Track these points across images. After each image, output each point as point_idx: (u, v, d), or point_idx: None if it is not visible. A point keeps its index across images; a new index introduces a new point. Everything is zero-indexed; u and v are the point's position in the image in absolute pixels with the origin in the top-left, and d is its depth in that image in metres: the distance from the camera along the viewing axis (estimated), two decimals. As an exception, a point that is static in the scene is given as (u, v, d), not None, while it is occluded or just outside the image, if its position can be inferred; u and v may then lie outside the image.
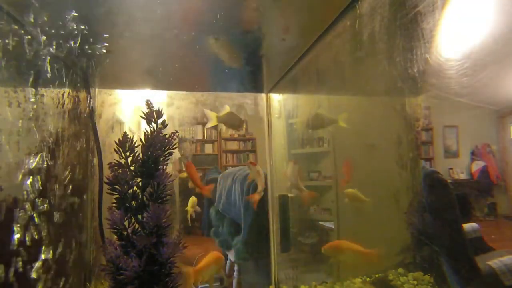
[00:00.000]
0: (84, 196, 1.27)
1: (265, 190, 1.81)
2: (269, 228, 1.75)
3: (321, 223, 1.91)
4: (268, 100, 1.79)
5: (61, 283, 0.97)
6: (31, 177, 0.82)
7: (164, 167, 0.88)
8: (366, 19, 0.95)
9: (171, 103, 1.79)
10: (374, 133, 1.62)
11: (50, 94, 0.98)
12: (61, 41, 0.94)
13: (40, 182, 0.85)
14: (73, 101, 1.16)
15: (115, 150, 0.87)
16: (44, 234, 0.87)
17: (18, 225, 0.76)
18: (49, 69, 0.93)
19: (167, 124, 0.90)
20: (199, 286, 1.57)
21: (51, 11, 0.81)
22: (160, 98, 1.65)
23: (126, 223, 0.83)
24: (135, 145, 0.88)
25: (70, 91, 1.14)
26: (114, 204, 0.85)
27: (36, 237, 0.83)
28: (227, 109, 1.41)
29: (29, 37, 0.84)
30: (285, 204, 1.72)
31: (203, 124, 4.50)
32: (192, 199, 1.89)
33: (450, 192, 1.24)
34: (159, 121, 0.89)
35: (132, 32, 0.96)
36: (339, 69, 1.39)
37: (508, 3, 0.82)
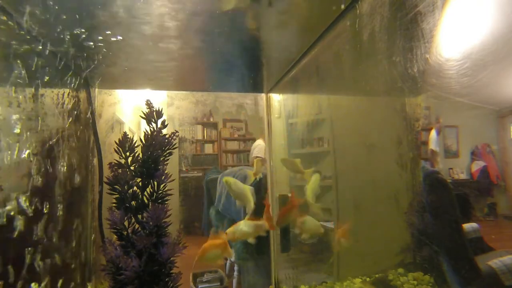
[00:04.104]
0: (84, 196, 1.27)
1: (265, 190, 1.82)
2: (269, 228, 1.75)
3: (321, 223, 1.91)
4: (268, 100, 1.79)
5: (61, 283, 0.97)
6: (31, 177, 0.82)
7: (164, 167, 0.88)
8: (366, 19, 0.95)
9: (171, 103, 1.80)
10: (374, 133, 1.62)
11: (50, 94, 0.98)
12: (61, 41, 0.94)
13: (40, 182, 0.86)
14: (73, 101, 1.16)
15: (115, 150, 0.87)
16: (44, 233, 0.87)
17: (18, 224, 0.76)
18: (49, 69, 0.93)
19: (167, 124, 0.90)
20: (199, 286, 1.57)
21: (51, 10, 0.81)
22: (160, 98, 1.65)
23: (126, 223, 0.83)
24: (135, 145, 0.88)
25: (70, 91, 1.14)
26: (114, 204, 0.85)
27: (36, 237, 0.83)
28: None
29: (29, 37, 0.84)
30: (285, 204, 1.71)
31: (203, 124, 4.50)
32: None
33: (450, 192, 1.24)
34: (159, 121, 0.89)
35: (133, 32, 0.96)
36: (339, 69, 1.39)
37: (508, 3, 0.82)
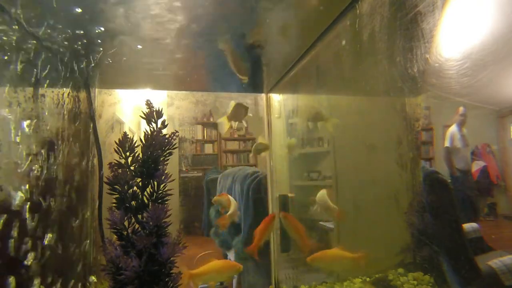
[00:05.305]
0: (84, 196, 1.27)
1: (265, 190, 1.82)
2: (269, 228, 1.75)
3: (321, 223, 1.91)
4: (268, 100, 1.79)
5: (61, 283, 0.97)
6: (30, 177, 0.82)
7: (164, 167, 0.88)
8: (366, 19, 0.95)
9: (171, 103, 1.80)
10: (374, 133, 1.62)
11: (50, 94, 0.98)
12: (61, 42, 0.94)
13: (39, 182, 0.85)
14: (73, 101, 1.16)
15: (115, 150, 0.87)
16: (44, 233, 0.87)
17: (17, 223, 0.76)
18: (49, 69, 0.93)
19: (167, 124, 0.90)
20: (200, 286, 1.57)
21: (52, 11, 0.81)
22: (160, 98, 1.65)
23: (126, 223, 0.83)
24: (135, 145, 0.88)
25: (70, 91, 1.14)
26: (114, 204, 0.85)
27: (35, 236, 0.83)
28: (232, 104, 1.39)
29: (29, 37, 0.84)
30: (285, 204, 1.72)
31: (203, 124, 4.50)
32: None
33: (450, 192, 1.24)
34: (159, 121, 0.89)
35: (133, 32, 0.96)
36: (339, 69, 1.39)
37: (508, 3, 0.82)
